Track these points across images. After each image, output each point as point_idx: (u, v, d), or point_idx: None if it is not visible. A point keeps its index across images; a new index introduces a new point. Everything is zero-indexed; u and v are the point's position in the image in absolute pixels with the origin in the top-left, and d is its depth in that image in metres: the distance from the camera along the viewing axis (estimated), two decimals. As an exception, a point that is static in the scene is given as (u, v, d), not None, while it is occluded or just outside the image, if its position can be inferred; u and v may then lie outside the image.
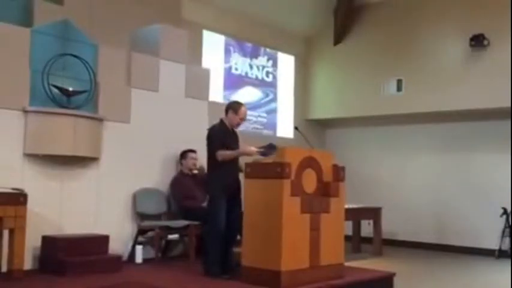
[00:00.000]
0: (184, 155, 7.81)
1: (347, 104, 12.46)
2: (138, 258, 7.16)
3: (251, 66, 12.04)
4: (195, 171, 7.84)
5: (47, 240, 6.40)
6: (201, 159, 7.36)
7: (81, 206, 6.93)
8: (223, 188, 6.36)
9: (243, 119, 6.62)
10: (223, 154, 6.35)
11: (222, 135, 6.46)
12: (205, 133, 6.63)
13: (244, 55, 11.91)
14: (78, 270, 6.11)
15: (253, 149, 6.40)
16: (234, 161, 6.55)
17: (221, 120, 6.63)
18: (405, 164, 12.30)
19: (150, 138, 7.69)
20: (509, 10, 10.18)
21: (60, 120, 6.53)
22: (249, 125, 11.65)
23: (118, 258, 6.63)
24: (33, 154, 6.49)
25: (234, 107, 6.59)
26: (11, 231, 5.87)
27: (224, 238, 6.35)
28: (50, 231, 6.52)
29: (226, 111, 6.61)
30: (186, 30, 8.76)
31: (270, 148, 6.33)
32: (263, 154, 6.29)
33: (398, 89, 11.74)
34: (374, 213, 10.37)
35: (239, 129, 6.80)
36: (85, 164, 6.98)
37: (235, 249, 6.56)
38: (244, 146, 6.63)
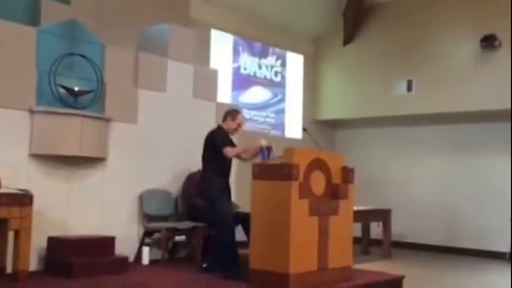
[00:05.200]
0: None
1: (356, 105, 12.41)
2: (145, 260, 7.15)
3: (260, 66, 12.01)
4: None
5: (52, 241, 6.39)
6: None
7: (88, 207, 6.91)
8: (219, 189, 6.63)
9: (240, 126, 6.85)
10: (233, 150, 6.55)
11: (225, 139, 6.68)
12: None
13: (253, 55, 11.88)
14: (84, 272, 6.09)
15: (262, 141, 6.47)
16: (228, 165, 6.83)
17: (219, 126, 6.85)
18: (415, 166, 12.24)
19: (157, 139, 7.67)
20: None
21: (67, 120, 6.51)
22: (257, 125, 11.62)
23: (124, 259, 6.61)
24: (40, 154, 6.48)
25: (232, 113, 6.87)
26: (17, 232, 5.85)
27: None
28: (56, 232, 6.51)
29: (225, 117, 6.87)
30: (194, 29, 8.74)
31: (269, 152, 6.43)
32: (263, 155, 6.37)
33: (409, 89, 11.70)
34: (383, 215, 10.34)
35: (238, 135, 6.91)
36: (91, 165, 6.96)
37: (241, 251, 6.55)
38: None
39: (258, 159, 6.36)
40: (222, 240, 6.43)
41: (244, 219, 6.53)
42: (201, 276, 6.45)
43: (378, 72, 12.11)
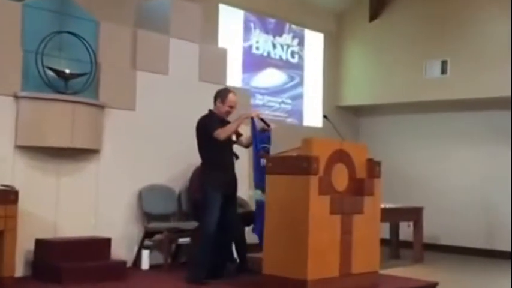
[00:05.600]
0: None
1: (384, 89, 12.35)
2: (145, 265, 7.16)
3: (274, 46, 11.96)
4: None
5: (41, 244, 6.39)
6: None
7: (80, 204, 6.92)
8: (218, 185, 6.50)
9: (233, 107, 6.73)
10: (224, 131, 6.45)
11: (216, 123, 6.54)
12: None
13: (267, 32, 11.83)
14: (76, 278, 6.09)
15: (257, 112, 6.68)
16: (229, 154, 6.77)
17: (210, 111, 6.76)
18: (449, 158, 12.16)
19: (158, 127, 7.65)
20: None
21: (57, 107, 6.51)
22: (271, 112, 11.59)
23: (122, 264, 6.62)
24: (26, 146, 6.47)
25: (221, 94, 6.76)
26: (0, 234, 5.84)
27: (217, 241, 6.46)
28: (45, 234, 6.51)
29: (214, 100, 6.77)
30: (199, 3, 8.70)
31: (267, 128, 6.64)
32: (254, 128, 6.58)
33: (443, 71, 11.62)
34: (414, 214, 10.30)
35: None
36: (84, 157, 6.96)
37: (255, 255, 6.56)
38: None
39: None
40: (199, 250, 6.52)
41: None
42: (208, 284, 6.43)
43: (408, 52, 12.03)
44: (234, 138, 6.79)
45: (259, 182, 6.43)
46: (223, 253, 6.80)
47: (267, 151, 6.53)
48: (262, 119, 6.74)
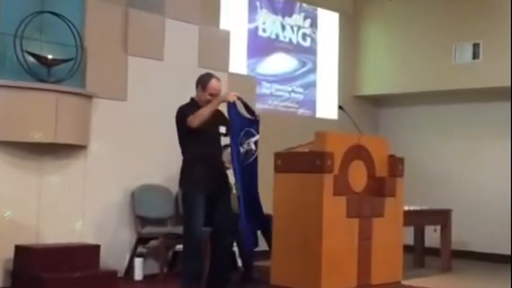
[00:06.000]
0: None
1: (407, 77, 12.31)
2: (138, 275, 7.17)
3: (283, 27, 11.94)
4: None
5: (21, 251, 6.40)
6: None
7: (65, 207, 6.93)
8: (198, 184, 6.28)
9: (214, 95, 6.48)
10: (196, 116, 6.23)
11: (193, 110, 6.35)
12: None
13: (275, 12, 11.81)
14: (61, 290, 6.09)
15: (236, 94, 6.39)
16: (214, 148, 6.54)
17: (191, 99, 6.61)
18: (481, 154, 12.12)
19: (153, 120, 7.67)
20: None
21: (38, 97, 6.51)
22: (280, 102, 11.58)
23: (112, 274, 6.64)
24: (4, 141, 6.47)
25: (202, 80, 6.56)
26: (-24, 240, 5.88)
27: (213, 248, 6.43)
28: (26, 240, 6.52)
29: (196, 87, 6.60)
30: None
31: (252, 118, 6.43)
32: (234, 112, 6.32)
33: (475, 56, 11.57)
34: (442, 217, 10.25)
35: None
36: (70, 154, 6.98)
37: (263, 264, 6.56)
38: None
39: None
40: (185, 259, 6.48)
41: (264, 223, 6.51)
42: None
43: (435, 34, 11.99)
44: (223, 130, 6.57)
45: (238, 176, 6.23)
46: (222, 261, 6.61)
47: (252, 135, 6.40)
48: (244, 103, 6.49)
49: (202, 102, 6.46)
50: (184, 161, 6.47)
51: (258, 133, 6.46)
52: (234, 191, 6.68)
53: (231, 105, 6.33)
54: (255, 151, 6.40)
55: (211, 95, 6.42)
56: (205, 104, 6.37)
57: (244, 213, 6.12)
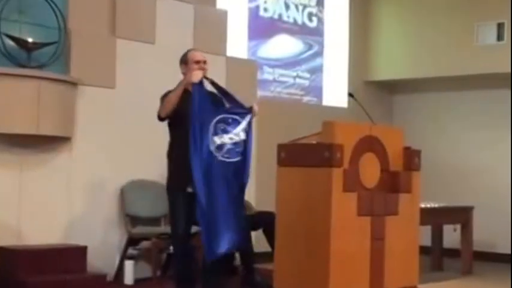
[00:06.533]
0: None
1: (424, 60, 12.33)
2: (128, 278, 7.21)
3: (287, 6, 11.95)
4: None
5: (1, 253, 6.46)
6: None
7: (49, 205, 6.97)
8: (181, 179, 6.12)
9: (200, 61, 6.26)
10: (163, 105, 6.15)
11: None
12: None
13: (277, -10, 11.84)
14: (45, 295, 6.16)
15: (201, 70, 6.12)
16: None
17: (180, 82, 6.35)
18: (506, 145, 12.15)
19: (143, 109, 7.62)
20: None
21: (18, 84, 6.55)
22: (284, 89, 11.60)
23: (100, 277, 6.72)
24: (-19, 133, 6.53)
25: (182, 58, 6.40)
26: (-48, 241, 5.94)
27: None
28: (6, 241, 6.58)
29: (180, 66, 6.41)
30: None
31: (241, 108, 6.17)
32: (200, 92, 5.98)
33: (499, 37, 11.59)
34: (462, 216, 10.29)
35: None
36: (53, 147, 7.02)
37: (265, 266, 6.59)
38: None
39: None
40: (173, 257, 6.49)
41: (266, 222, 6.56)
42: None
43: (453, 13, 12.01)
44: None
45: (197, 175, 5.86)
46: (216, 263, 6.47)
47: (236, 123, 6.13)
48: (213, 83, 6.21)
49: (189, 79, 6.18)
50: (170, 151, 6.37)
51: (248, 123, 6.19)
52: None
53: (196, 87, 6.00)
54: (245, 141, 6.15)
55: (196, 62, 6.24)
56: (195, 78, 6.08)
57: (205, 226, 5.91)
